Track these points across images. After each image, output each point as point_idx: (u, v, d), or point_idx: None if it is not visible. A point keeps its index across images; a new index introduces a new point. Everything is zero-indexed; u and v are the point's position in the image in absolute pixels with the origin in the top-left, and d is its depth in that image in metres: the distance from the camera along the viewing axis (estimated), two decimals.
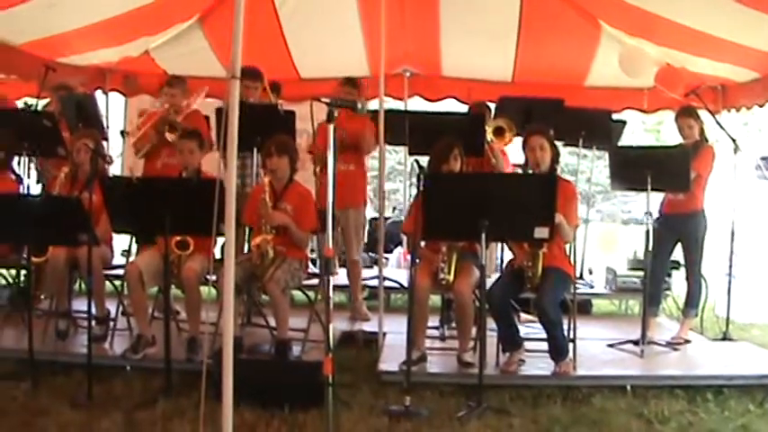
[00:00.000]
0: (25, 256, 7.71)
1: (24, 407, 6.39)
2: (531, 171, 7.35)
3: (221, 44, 11.06)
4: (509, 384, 6.98)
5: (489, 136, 8.54)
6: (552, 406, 6.62)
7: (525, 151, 7.33)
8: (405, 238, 11.35)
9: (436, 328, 8.26)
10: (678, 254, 8.92)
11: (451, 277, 7.15)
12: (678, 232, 8.63)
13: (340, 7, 10.37)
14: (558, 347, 7.04)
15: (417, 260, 7.03)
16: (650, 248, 8.28)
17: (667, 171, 7.94)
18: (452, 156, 7.41)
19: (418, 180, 6.62)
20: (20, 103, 11.01)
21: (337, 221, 8.56)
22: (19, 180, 8.84)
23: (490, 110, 9.51)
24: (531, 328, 7.66)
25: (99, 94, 11.89)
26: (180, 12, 10.67)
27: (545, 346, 7.12)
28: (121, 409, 6.34)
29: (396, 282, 9.95)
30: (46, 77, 9.92)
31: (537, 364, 7.23)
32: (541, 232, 6.53)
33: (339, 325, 8.69)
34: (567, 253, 7.54)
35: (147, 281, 7.31)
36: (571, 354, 7.23)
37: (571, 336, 7.39)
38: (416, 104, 12.12)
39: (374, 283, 9.19)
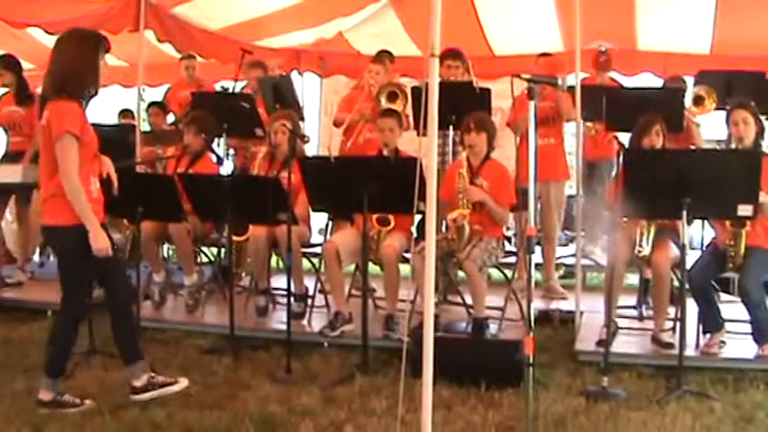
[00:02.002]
0: (226, 234, 7.90)
1: (226, 380, 6.58)
2: (733, 146, 7.11)
3: (414, 23, 11.12)
4: (709, 367, 6.74)
5: (688, 104, 8.32)
6: (755, 391, 6.35)
7: (728, 125, 7.09)
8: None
9: (634, 307, 8.11)
10: None
11: (648, 250, 6.98)
12: None
13: None
14: (762, 330, 6.75)
15: (616, 232, 6.91)
16: None
17: None
18: (654, 130, 7.23)
19: (618, 156, 6.48)
20: (217, 87, 11.32)
21: (538, 195, 8.45)
22: (219, 161, 9.06)
23: (686, 84, 9.27)
24: (731, 308, 7.40)
25: (294, 76, 12.11)
26: None
27: (748, 327, 6.85)
28: (319, 384, 6.45)
29: (592, 260, 9.79)
30: (243, 61, 10.16)
31: (739, 346, 6.96)
32: (745, 210, 6.28)
33: (535, 303, 8.60)
34: None
35: (344, 258, 7.41)
36: None
37: None
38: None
39: (570, 261, 9.07)
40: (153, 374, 5.90)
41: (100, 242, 5.57)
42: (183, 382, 5.97)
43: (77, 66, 5.59)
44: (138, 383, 5.82)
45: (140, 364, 5.88)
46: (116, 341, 5.91)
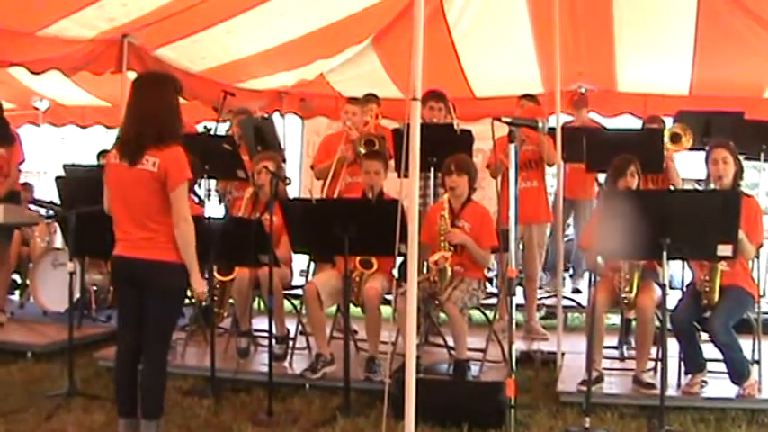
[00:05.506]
0: (207, 276, 7.86)
1: (207, 423, 6.54)
2: (712, 185, 7.15)
3: (394, 65, 11.20)
4: (691, 406, 6.76)
5: (665, 141, 8.37)
6: (737, 430, 6.40)
7: (708, 164, 7.14)
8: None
9: (615, 347, 8.11)
10: None
11: (633, 295, 6.99)
12: None
13: (513, 26, 10.34)
14: (736, 370, 6.77)
15: (596, 277, 6.92)
16: None
17: None
18: (629, 172, 7.31)
19: (598, 198, 6.51)
20: (200, 128, 11.32)
21: (519, 237, 8.47)
22: (201, 203, 9.05)
23: (664, 124, 9.33)
24: (712, 348, 7.40)
25: (276, 117, 12.14)
26: (353, 34, 10.83)
27: None
28: (301, 426, 6.44)
29: (574, 300, 9.81)
30: (225, 102, 10.19)
31: (720, 385, 6.94)
32: (725, 250, 6.27)
33: (516, 344, 8.59)
34: (750, 270, 7.25)
35: (324, 300, 7.39)
36: (756, 375, 6.95)
37: (755, 357, 7.13)
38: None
39: (551, 301, 9.07)
40: None
41: (201, 285, 5.71)
42: None
43: (167, 109, 5.60)
44: None
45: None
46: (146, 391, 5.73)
